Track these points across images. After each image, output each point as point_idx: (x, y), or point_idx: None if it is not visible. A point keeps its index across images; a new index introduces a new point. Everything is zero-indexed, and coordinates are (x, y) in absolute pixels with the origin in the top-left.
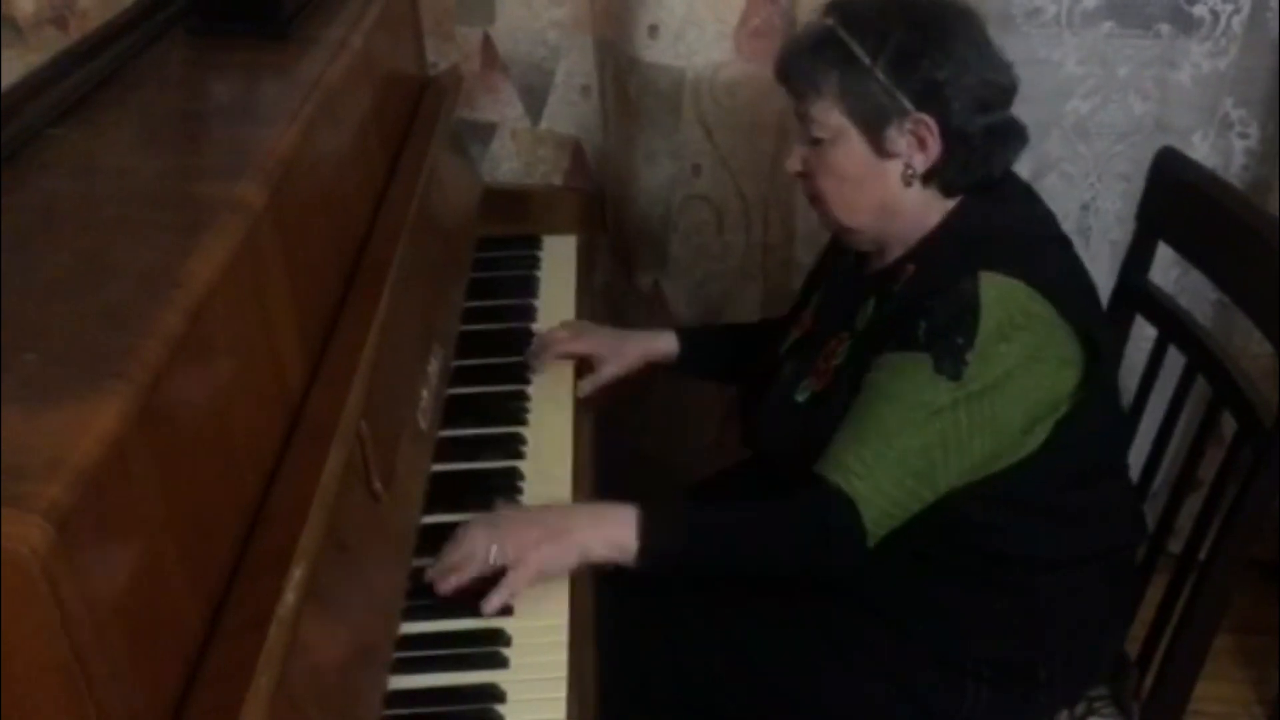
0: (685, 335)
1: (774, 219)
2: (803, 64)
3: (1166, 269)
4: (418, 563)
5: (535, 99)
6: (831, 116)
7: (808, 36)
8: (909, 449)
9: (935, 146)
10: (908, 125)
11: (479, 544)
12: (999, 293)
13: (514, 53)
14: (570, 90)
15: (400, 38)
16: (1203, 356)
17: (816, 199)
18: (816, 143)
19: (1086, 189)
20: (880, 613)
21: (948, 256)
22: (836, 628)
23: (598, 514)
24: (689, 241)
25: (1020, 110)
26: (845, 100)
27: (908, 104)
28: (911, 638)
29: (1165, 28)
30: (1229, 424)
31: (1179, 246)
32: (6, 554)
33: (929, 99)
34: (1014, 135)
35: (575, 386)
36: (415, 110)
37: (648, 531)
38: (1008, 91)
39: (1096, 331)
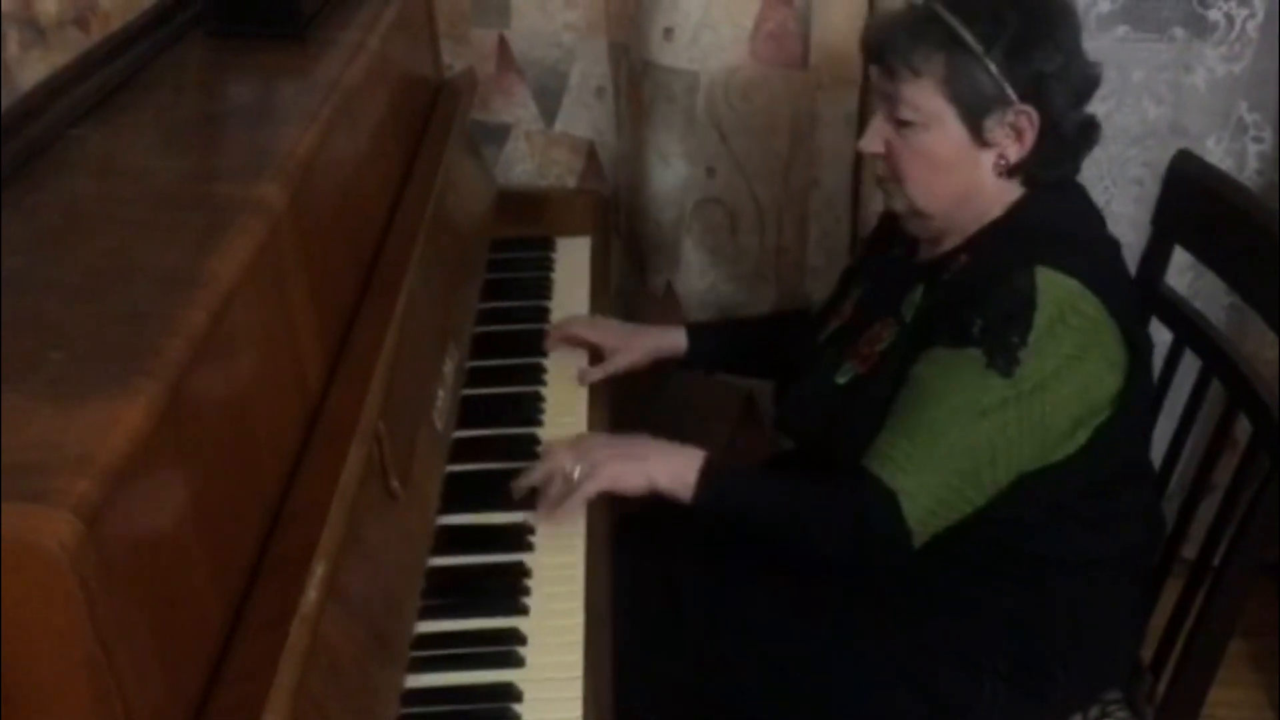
0: (694, 331)
1: (788, 222)
2: (901, 43)
3: (1180, 273)
4: (434, 562)
5: (549, 101)
6: (929, 100)
7: (907, 15)
8: (956, 447)
9: (1031, 138)
10: (1009, 116)
11: (561, 460)
12: (1054, 289)
13: (529, 55)
14: (585, 92)
15: (416, 40)
16: (1218, 360)
17: (893, 180)
18: (904, 124)
19: (1101, 192)
20: (899, 606)
21: (1003, 249)
22: (855, 621)
23: (670, 449)
24: (702, 244)
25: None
26: (949, 85)
27: (1013, 94)
28: (929, 632)
29: (1180, 32)
30: (1244, 428)
31: (1194, 250)
32: (36, 549)
33: (1035, 90)
34: (1094, 132)
35: (580, 373)
36: (430, 112)
37: (708, 475)
38: (1097, 85)
39: (1140, 335)
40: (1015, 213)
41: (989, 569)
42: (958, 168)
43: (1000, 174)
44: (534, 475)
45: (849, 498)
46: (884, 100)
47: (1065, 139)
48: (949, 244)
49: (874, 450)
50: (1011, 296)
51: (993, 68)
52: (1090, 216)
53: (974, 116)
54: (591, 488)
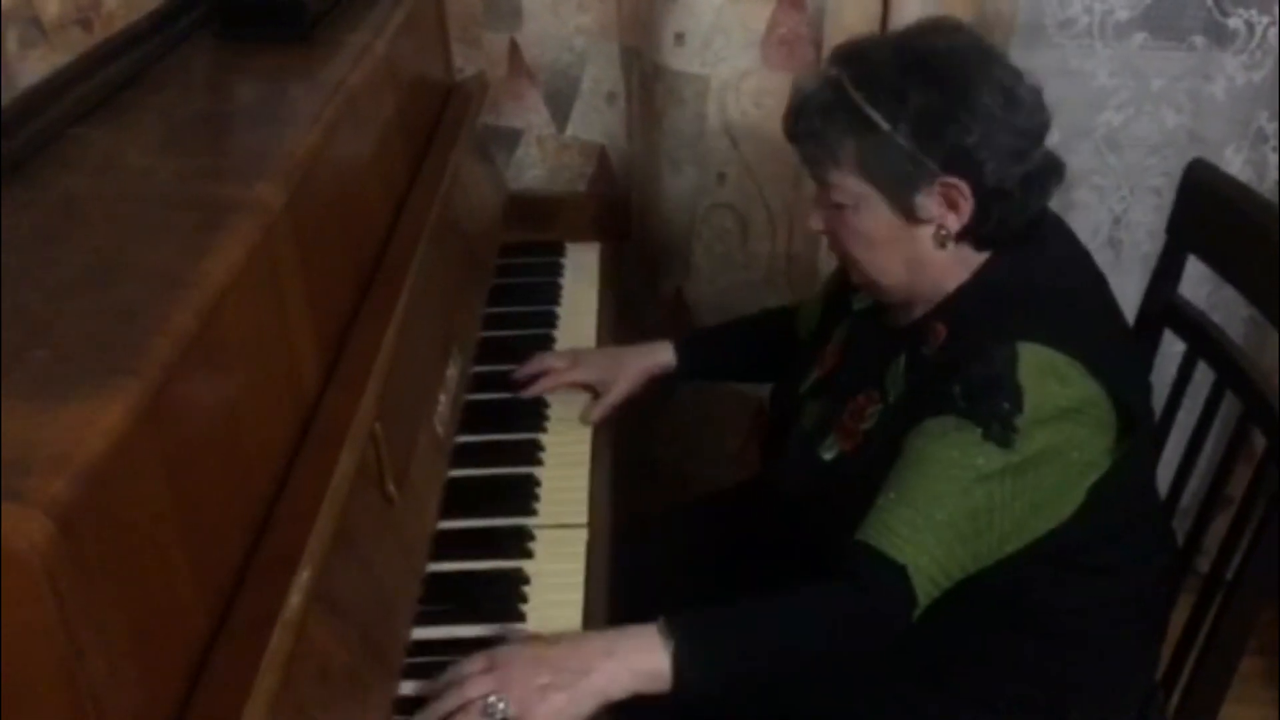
0: (682, 344)
1: (799, 228)
2: (813, 128)
3: (1199, 284)
4: (432, 568)
5: (561, 105)
6: (851, 183)
7: (816, 95)
8: (957, 514)
9: (968, 206)
10: (937, 188)
11: (477, 689)
12: (1038, 365)
13: (540, 59)
14: (596, 97)
15: (426, 43)
16: (1232, 372)
17: (841, 256)
18: (838, 206)
19: (1118, 202)
20: (911, 649)
21: (981, 319)
22: (866, 665)
23: (616, 644)
24: (713, 250)
25: (1051, 122)
26: (865, 168)
27: (935, 167)
28: (942, 675)
29: (1199, 40)
30: (1259, 440)
31: (1210, 260)
32: (7, 550)
33: (959, 162)
34: (1051, 174)
35: (582, 413)
36: (440, 115)
37: (682, 653)
38: (1042, 132)
39: (1131, 394)
40: (986, 274)
41: (1001, 618)
42: (897, 244)
43: (943, 245)
44: (444, 704)
45: (855, 578)
46: (817, 184)
47: (1010, 198)
48: (920, 311)
49: (873, 524)
50: (991, 368)
51: (904, 144)
52: (1069, 262)
53: (899, 195)
54: None
